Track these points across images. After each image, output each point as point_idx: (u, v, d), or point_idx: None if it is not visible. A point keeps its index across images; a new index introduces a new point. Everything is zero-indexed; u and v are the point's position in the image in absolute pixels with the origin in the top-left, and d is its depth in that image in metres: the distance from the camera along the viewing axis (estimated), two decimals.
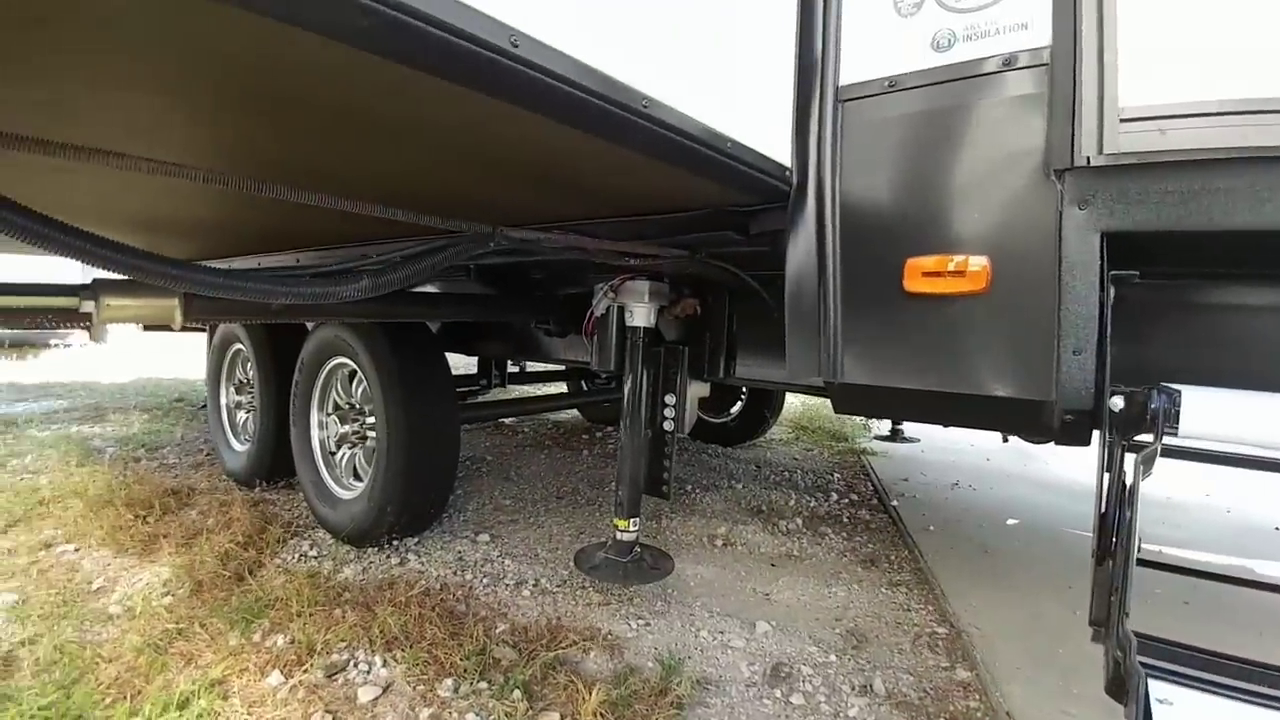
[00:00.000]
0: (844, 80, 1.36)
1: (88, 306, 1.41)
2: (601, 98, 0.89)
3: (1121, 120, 1.08)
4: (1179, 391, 0.88)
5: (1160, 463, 1.16)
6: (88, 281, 1.47)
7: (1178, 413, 0.87)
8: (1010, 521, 3.26)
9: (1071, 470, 4.22)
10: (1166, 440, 0.90)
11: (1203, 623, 2.16)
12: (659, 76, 1.00)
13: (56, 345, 9.64)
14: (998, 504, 3.54)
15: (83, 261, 0.93)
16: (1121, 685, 0.89)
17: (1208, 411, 0.86)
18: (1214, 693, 0.86)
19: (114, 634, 1.95)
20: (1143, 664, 0.87)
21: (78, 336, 10.06)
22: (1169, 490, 3.73)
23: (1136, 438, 0.99)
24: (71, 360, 8.46)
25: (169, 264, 1.00)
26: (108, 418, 5.06)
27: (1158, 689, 0.85)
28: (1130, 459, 0.93)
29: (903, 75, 1.30)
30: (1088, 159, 1.11)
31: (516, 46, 0.77)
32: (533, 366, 4.88)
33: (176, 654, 1.83)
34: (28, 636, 1.91)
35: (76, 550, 2.53)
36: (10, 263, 6.87)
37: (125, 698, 1.63)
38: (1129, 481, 0.90)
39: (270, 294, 1.10)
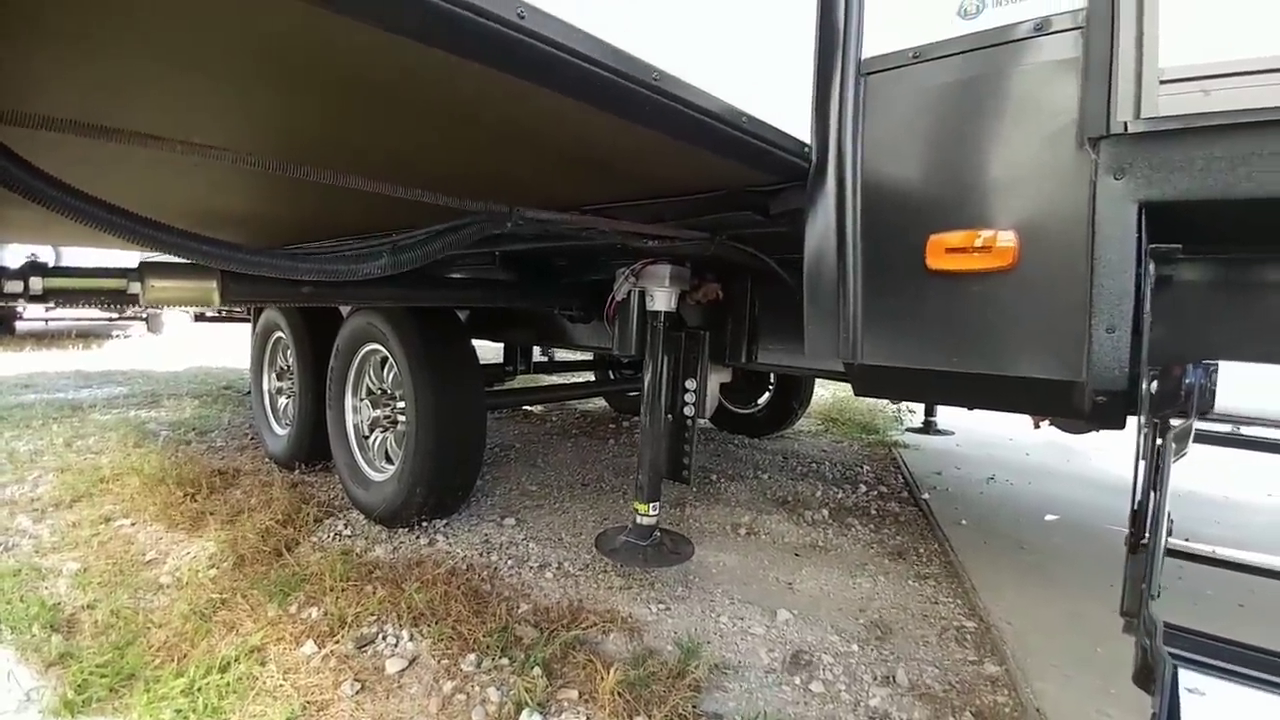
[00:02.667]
0: (867, 53, 1.32)
1: (134, 288, 1.49)
2: (609, 70, 0.89)
3: (1161, 82, 1.02)
4: (1215, 366, 0.83)
5: (1215, 459, 1.10)
6: (134, 266, 1.56)
7: (1214, 389, 0.82)
8: (1049, 517, 3.14)
9: (1117, 467, 4.04)
10: (1200, 422, 0.85)
11: (1257, 625, 2.05)
12: (671, 49, 0.99)
13: (118, 336, 10.20)
14: (1036, 499, 3.42)
15: (130, 240, 0.98)
16: (1149, 674, 0.85)
17: (1245, 387, 0.81)
18: (1250, 685, 0.81)
19: (164, 602, 2.07)
20: (1172, 654, 0.83)
21: (137, 328, 10.64)
22: (1226, 489, 3.54)
23: (1172, 419, 0.94)
24: (131, 350, 8.92)
25: (205, 241, 1.04)
26: (162, 403, 5.33)
27: (1188, 678, 0.81)
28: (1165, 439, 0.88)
29: (928, 45, 1.26)
30: (1124, 125, 1.05)
31: (523, 18, 0.77)
32: (561, 356, 4.93)
33: (220, 622, 1.93)
34: (88, 601, 2.05)
35: (132, 524, 2.68)
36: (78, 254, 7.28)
37: (173, 660, 1.74)
38: (1161, 459, 0.86)
39: (295, 270, 1.14)
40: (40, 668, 1.71)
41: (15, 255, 6.83)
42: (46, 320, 10.09)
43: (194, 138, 1.00)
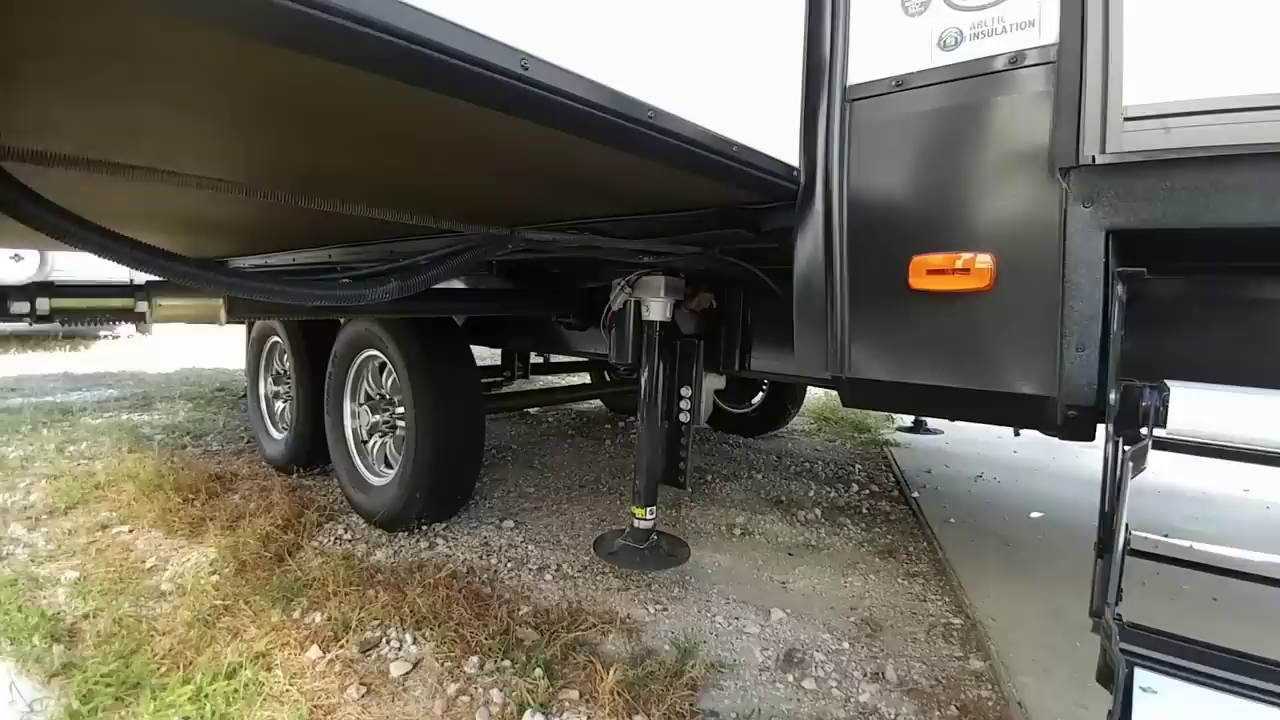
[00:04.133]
0: (852, 80, 1.38)
1: (141, 306, 1.52)
2: (609, 111, 0.94)
3: (1125, 119, 1.08)
4: (1168, 389, 0.90)
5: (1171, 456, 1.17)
6: (141, 282, 1.59)
7: (1166, 410, 0.89)
8: (1034, 515, 3.23)
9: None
10: (1156, 434, 0.92)
11: (1230, 620, 2.12)
12: (666, 86, 1.05)
13: (106, 336, 10.10)
14: (1022, 497, 3.50)
15: (144, 270, 1.02)
16: (1110, 674, 0.91)
17: (1194, 408, 0.88)
18: (1202, 684, 0.87)
19: (167, 609, 2.09)
20: (1132, 653, 0.90)
21: (125, 328, 10.53)
22: (1205, 484, 3.64)
23: (1130, 440, 1.00)
24: (120, 351, 8.86)
25: (216, 270, 1.08)
26: (155, 406, 5.31)
27: (1144, 678, 0.87)
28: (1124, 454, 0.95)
29: (910, 75, 1.32)
30: (1092, 158, 1.12)
31: (526, 69, 0.83)
32: (557, 357, 4.97)
33: (224, 628, 1.96)
34: (89, 610, 2.06)
35: (130, 531, 2.70)
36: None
37: (178, 667, 1.76)
38: (1119, 475, 0.93)
39: (306, 297, 1.19)
40: (43, 679, 1.73)
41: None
42: (30, 321, 9.96)
43: (205, 171, 1.04)
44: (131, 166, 0.98)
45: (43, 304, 1.43)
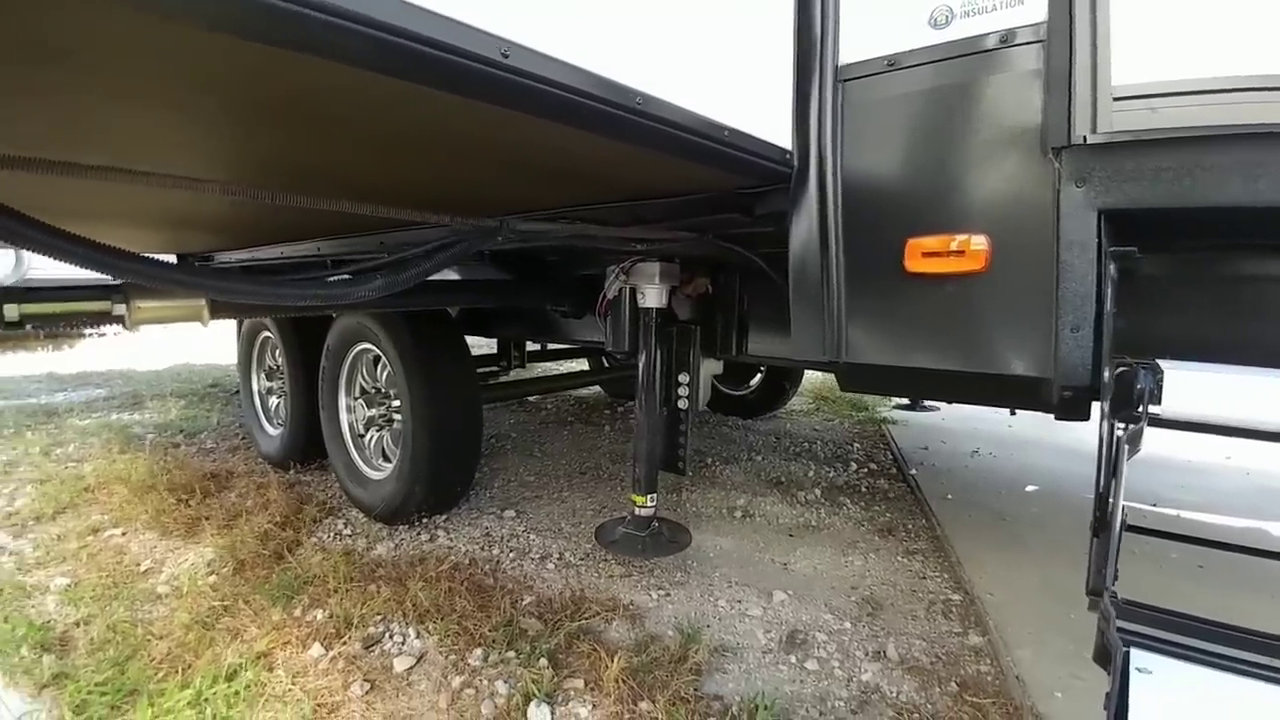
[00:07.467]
0: (843, 60, 1.35)
1: (119, 309, 1.48)
2: (594, 99, 0.92)
3: (1115, 99, 1.07)
4: (1161, 369, 0.90)
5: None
6: (119, 283, 1.55)
7: (1160, 389, 0.89)
8: (1029, 488, 3.26)
9: (1093, 435, 4.17)
10: (1151, 413, 0.92)
11: (1217, 586, 2.16)
12: (654, 72, 1.02)
13: (91, 334, 9.92)
14: (1018, 471, 3.53)
15: (121, 277, 0.99)
16: (1107, 655, 0.92)
17: (1188, 389, 0.88)
18: (1195, 660, 0.88)
19: (163, 612, 2.07)
20: (1127, 630, 0.90)
21: (111, 325, 10.33)
22: (1189, 454, 3.68)
23: (1126, 422, 1.01)
24: (106, 349, 8.71)
25: (190, 271, 1.06)
26: (145, 405, 5.22)
27: (1139, 658, 0.88)
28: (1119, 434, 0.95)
29: (901, 54, 1.29)
30: (1084, 138, 1.11)
31: (507, 57, 0.80)
32: (555, 345, 4.94)
33: (223, 629, 1.94)
34: (81, 617, 2.02)
35: (123, 534, 2.65)
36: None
37: (177, 671, 1.74)
38: (1115, 456, 0.93)
39: (290, 297, 1.16)
40: (33, 691, 1.68)
41: None
42: None
43: (171, 169, 1.01)
44: (85, 166, 0.94)
45: (11, 310, 1.37)
